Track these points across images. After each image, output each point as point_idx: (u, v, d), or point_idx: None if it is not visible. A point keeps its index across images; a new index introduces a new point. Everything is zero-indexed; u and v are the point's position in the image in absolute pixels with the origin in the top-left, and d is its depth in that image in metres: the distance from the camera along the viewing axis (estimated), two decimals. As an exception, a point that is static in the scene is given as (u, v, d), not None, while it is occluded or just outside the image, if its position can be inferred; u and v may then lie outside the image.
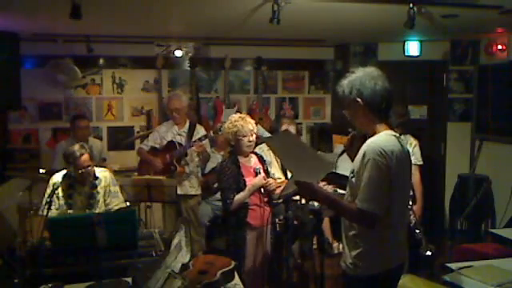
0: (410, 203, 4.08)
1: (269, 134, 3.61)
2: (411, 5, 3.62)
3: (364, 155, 2.28)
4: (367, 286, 2.39)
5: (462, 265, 3.02)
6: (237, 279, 2.82)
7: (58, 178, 3.61)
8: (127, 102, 6.14)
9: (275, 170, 4.04)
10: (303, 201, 3.60)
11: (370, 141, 2.33)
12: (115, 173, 5.14)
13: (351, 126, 2.66)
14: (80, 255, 2.93)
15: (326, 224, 5.17)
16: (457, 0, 3.69)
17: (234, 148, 3.60)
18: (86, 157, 3.54)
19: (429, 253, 3.97)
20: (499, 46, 5.62)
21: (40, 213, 3.54)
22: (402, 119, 4.25)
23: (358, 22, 4.60)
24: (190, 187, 4.91)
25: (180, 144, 4.79)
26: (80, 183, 3.62)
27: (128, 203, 4.21)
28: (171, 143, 4.81)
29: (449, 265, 3.06)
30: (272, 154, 4.32)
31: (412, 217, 3.99)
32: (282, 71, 6.62)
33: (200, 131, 4.95)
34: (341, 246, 4.44)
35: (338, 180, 4.05)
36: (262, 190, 3.56)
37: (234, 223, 3.53)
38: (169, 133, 4.91)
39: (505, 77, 5.58)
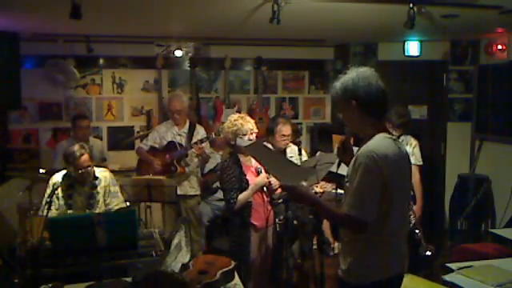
0: (410, 203, 4.09)
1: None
2: (411, 5, 3.62)
3: (356, 159, 2.22)
4: None
5: (462, 265, 3.02)
6: (237, 279, 2.82)
7: (57, 178, 3.61)
8: (127, 101, 6.14)
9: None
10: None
11: (364, 145, 2.25)
12: (115, 173, 5.16)
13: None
14: (80, 255, 2.93)
15: (326, 224, 5.17)
16: (457, 0, 3.69)
17: (235, 148, 3.60)
18: (85, 157, 3.54)
19: (428, 253, 3.97)
20: (499, 46, 5.62)
21: (40, 213, 3.54)
22: (403, 119, 4.25)
23: (358, 22, 4.60)
24: (190, 187, 4.92)
25: (180, 144, 4.79)
26: (80, 183, 3.62)
27: (128, 203, 4.21)
28: (171, 143, 4.81)
29: (449, 265, 3.06)
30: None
31: (412, 217, 3.99)
32: (282, 71, 6.62)
33: (200, 131, 4.95)
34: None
35: (339, 180, 4.05)
36: (265, 189, 3.56)
37: (238, 223, 3.52)
38: (168, 133, 4.91)
39: (505, 77, 5.58)
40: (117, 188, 3.82)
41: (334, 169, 3.72)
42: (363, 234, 2.22)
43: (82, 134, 4.98)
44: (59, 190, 3.51)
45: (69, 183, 3.58)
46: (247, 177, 3.53)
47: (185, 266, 2.77)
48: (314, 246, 4.47)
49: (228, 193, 3.51)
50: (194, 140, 4.79)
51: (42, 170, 4.42)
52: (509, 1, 3.62)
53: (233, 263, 2.84)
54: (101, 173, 3.73)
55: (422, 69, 6.25)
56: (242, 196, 3.47)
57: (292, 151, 4.29)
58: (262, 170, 3.57)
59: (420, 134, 4.95)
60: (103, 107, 6.06)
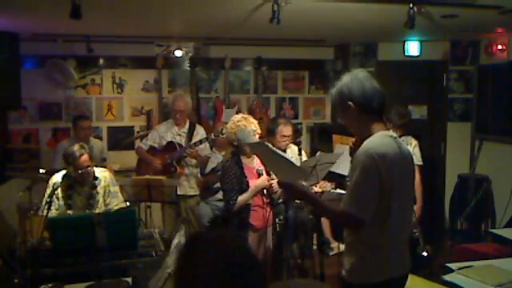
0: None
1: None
2: (411, 5, 3.62)
3: (354, 158, 2.24)
4: None
5: (461, 265, 3.02)
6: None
7: (57, 178, 3.61)
8: (127, 101, 6.14)
9: (275, 170, 4.04)
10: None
11: (364, 143, 2.26)
12: (115, 173, 5.15)
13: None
14: (80, 255, 2.94)
15: (326, 224, 5.17)
16: (457, 0, 3.69)
17: (237, 148, 3.59)
18: (85, 157, 3.54)
19: (425, 253, 3.97)
20: (499, 46, 5.62)
21: (40, 213, 3.54)
22: (404, 120, 4.25)
23: (358, 22, 4.60)
24: (190, 188, 4.92)
25: (179, 144, 4.79)
26: (79, 183, 3.61)
27: (128, 203, 4.21)
28: (170, 143, 4.81)
29: (449, 265, 3.06)
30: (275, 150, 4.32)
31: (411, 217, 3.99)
32: (282, 71, 6.62)
33: (200, 131, 4.95)
34: (341, 245, 4.45)
35: (337, 179, 4.06)
36: (265, 191, 3.56)
37: (237, 224, 3.52)
38: (168, 133, 4.91)
39: (505, 77, 5.58)
40: (117, 188, 3.82)
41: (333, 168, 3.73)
42: (365, 234, 2.21)
43: (83, 134, 4.98)
44: (59, 190, 3.51)
45: (68, 183, 3.58)
46: (248, 178, 3.52)
47: (185, 266, 2.77)
48: (314, 246, 4.48)
49: (228, 193, 3.51)
50: (194, 140, 4.79)
51: (41, 170, 4.41)
52: (509, 1, 3.62)
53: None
54: (101, 173, 3.73)
55: (422, 69, 6.24)
56: (241, 197, 3.47)
57: (292, 152, 4.29)
58: (263, 172, 3.57)
59: (420, 134, 4.95)
60: (103, 107, 6.06)
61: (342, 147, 4.71)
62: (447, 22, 4.37)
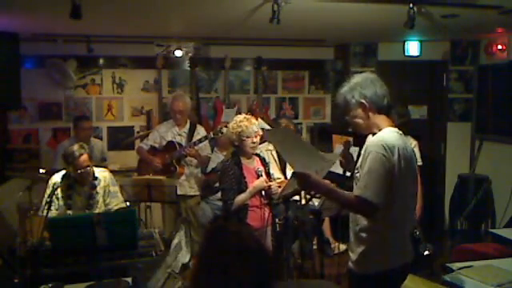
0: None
1: (269, 127, 3.63)
2: (411, 5, 3.61)
3: (366, 149, 2.36)
4: (372, 285, 2.40)
5: (462, 265, 3.01)
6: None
7: (57, 178, 3.60)
8: (127, 102, 6.14)
9: (274, 171, 4.04)
10: (303, 201, 3.60)
11: (374, 136, 2.41)
12: (115, 173, 5.15)
13: (352, 127, 2.67)
14: (80, 255, 2.94)
15: (326, 224, 5.17)
16: (457, 0, 3.69)
17: (238, 149, 3.59)
18: (85, 157, 3.53)
19: (427, 252, 3.97)
20: (499, 46, 5.62)
21: (40, 213, 3.54)
22: (403, 120, 4.25)
23: (358, 22, 4.60)
24: (190, 187, 4.92)
25: (180, 144, 4.79)
26: (79, 183, 3.61)
27: (128, 203, 4.21)
28: (171, 143, 4.82)
29: (449, 265, 3.06)
30: (271, 155, 4.32)
31: (412, 217, 3.98)
32: (282, 71, 6.61)
33: (200, 131, 4.95)
34: (341, 245, 4.46)
35: (337, 179, 4.05)
36: (263, 192, 3.56)
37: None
38: (169, 133, 4.91)
39: (505, 77, 5.58)
40: (116, 188, 3.82)
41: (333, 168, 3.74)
42: (373, 223, 2.34)
43: (83, 135, 4.98)
44: (59, 190, 3.51)
45: (68, 183, 3.58)
46: (247, 179, 3.52)
47: (185, 266, 2.77)
48: (314, 246, 4.47)
49: (226, 193, 3.51)
50: (194, 140, 4.79)
51: (41, 170, 4.42)
52: (509, 1, 3.62)
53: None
54: (100, 173, 3.73)
55: (422, 69, 6.25)
56: (239, 198, 3.47)
57: None
58: (263, 173, 3.57)
59: (420, 134, 4.95)
60: (103, 107, 6.06)
61: (341, 147, 4.71)
62: (447, 21, 4.37)
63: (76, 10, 3.22)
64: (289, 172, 4.28)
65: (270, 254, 1.56)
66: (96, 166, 3.79)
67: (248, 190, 3.49)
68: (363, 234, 2.40)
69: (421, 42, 6.04)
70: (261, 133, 3.64)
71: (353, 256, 2.46)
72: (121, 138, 6.06)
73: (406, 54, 6.06)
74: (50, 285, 2.70)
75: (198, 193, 4.96)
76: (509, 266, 3.00)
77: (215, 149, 5.11)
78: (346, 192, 2.44)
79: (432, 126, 6.37)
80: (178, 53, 5.92)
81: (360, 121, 2.47)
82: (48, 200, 3.23)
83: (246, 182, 3.51)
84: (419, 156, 4.44)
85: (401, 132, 2.47)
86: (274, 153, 4.36)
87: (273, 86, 6.61)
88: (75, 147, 3.57)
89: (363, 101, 2.41)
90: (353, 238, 2.48)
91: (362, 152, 2.40)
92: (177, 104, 4.86)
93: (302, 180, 2.49)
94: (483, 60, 6.01)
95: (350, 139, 2.71)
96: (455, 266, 3.02)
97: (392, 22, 4.26)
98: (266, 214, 3.59)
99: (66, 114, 5.92)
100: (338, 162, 4.05)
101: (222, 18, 4.37)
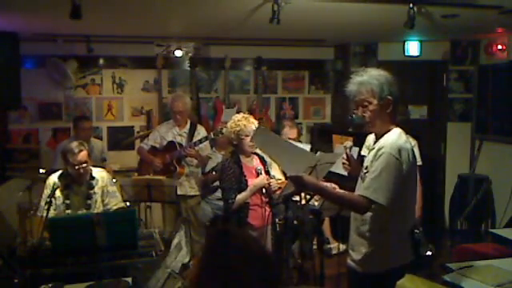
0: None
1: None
2: (411, 5, 3.62)
3: (379, 149, 2.34)
4: (373, 283, 2.42)
5: (461, 265, 3.02)
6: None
7: (54, 178, 3.59)
8: (127, 102, 6.14)
9: (275, 172, 4.04)
10: (303, 201, 3.60)
11: (386, 136, 2.39)
12: (115, 173, 5.16)
13: (352, 126, 2.68)
14: (80, 255, 2.93)
15: (326, 224, 5.17)
16: (457, 0, 3.69)
17: (237, 148, 3.60)
18: (84, 153, 3.52)
19: (429, 253, 3.96)
20: (499, 46, 5.62)
21: (38, 213, 3.53)
22: (402, 118, 4.25)
23: (358, 22, 4.60)
24: (190, 187, 4.92)
25: (180, 144, 4.79)
26: (77, 182, 3.59)
27: (128, 203, 4.21)
28: (171, 143, 4.81)
29: (449, 265, 3.06)
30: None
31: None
32: (282, 71, 6.61)
33: (201, 132, 4.95)
34: (341, 245, 4.45)
35: (338, 179, 4.05)
36: (264, 190, 3.56)
37: (235, 223, 3.53)
38: (169, 133, 4.91)
39: (505, 77, 5.58)
40: (115, 188, 3.82)
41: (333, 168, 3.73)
42: (378, 224, 2.36)
43: (83, 135, 4.97)
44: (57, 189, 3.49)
45: (65, 183, 3.56)
46: (247, 178, 3.53)
47: (185, 266, 2.77)
48: (314, 246, 4.47)
49: (227, 192, 3.52)
50: (194, 141, 4.79)
51: (41, 170, 4.43)
52: (509, 1, 3.62)
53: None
54: (98, 173, 3.71)
55: (422, 69, 6.25)
56: (240, 196, 3.47)
57: None
58: (263, 171, 3.57)
59: (420, 134, 4.94)
60: (103, 107, 6.06)
61: (341, 147, 4.70)
62: (447, 21, 4.37)
63: (76, 10, 3.22)
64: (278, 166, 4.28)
65: (273, 258, 1.54)
66: (94, 166, 3.78)
67: (248, 188, 3.49)
68: (370, 235, 2.41)
69: (421, 41, 6.04)
70: None
71: (355, 255, 2.46)
72: (121, 138, 6.06)
73: (406, 54, 6.06)
74: (50, 285, 2.70)
75: (198, 193, 4.96)
76: (509, 266, 3.00)
77: (213, 148, 5.11)
78: (346, 192, 2.44)
79: (432, 125, 6.37)
80: (178, 53, 5.93)
81: (376, 116, 2.42)
82: (48, 200, 3.22)
83: (246, 181, 3.51)
84: (419, 156, 4.44)
85: (404, 133, 2.48)
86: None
87: (273, 85, 6.61)
88: (74, 144, 3.57)
89: (390, 97, 2.39)
90: (356, 237, 2.47)
91: (373, 152, 2.37)
92: (177, 105, 4.86)
93: (294, 182, 2.50)
94: (483, 60, 6.01)
95: (350, 142, 2.70)
96: (455, 265, 3.02)
97: (392, 22, 4.26)
98: (267, 213, 3.59)
99: (65, 114, 5.92)
100: (338, 163, 4.06)
101: (222, 18, 4.37)
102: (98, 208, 3.62)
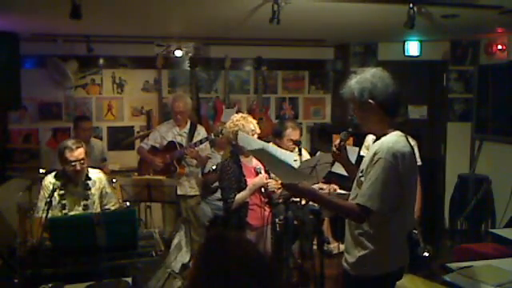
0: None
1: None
2: (411, 5, 3.62)
3: (375, 154, 2.28)
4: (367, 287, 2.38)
5: (461, 265, 3.01)
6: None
7: (51, 178, 3.57)
8: (127, 102, 6.14)
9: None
10: (303, 201, 3.60)
11: (381, 140, 2.33)
12: (115, 173, 5.16)
13: (351, 126, 2.65)
14: (80, 255, 2.93)
15: (326, 224, 5.17)
16: (457, 0, 3.69)
17: (236, 147, 3.60)
18: (81, 150, 3.50)
19: (426, 254, 3.96)
20: (499, 46, 5.62)
21: (36, 214, 3.52)
22: (401, 119, 4.24)
23: (358, 22, 4.60)
24: (190, 187, 4.92)
25: (180, 144, 4.79)
26: (73, 183, 3.58)
27: (128, 203, 4.21)
28: (171, 143, 4.82)
29: (449, 265, 3.05)
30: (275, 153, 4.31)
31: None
32: (282, 71, 6.61)
33: (201, 132, 4.95)
34: (341, 245, 4.45)
35: (339, 179, 4.05)
36: (263, 189, 3.56)
37: (235, 223, 3.53)
38: (169, 133, 4.91)
39: (505, 77, 5.58)
40: (112, 189, 3.82)
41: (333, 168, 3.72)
42: (374, 229, 2.30)
43: (84, 135, 4.97)
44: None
45: (61, 183, 3.54)
46: (246, 177, 3.53)
47: (185, 266, 2.77)
48: (314, 246, 4.47)
49: (226, 192, 3.51)
50: (195, 141, 4.79)
51: (41, 170, 4.42)
52: (509, 1, 3.62)
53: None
54: (95, 174, 3.70)
55: (422, 69, 6.25)
56: (239, 196, 3.47)
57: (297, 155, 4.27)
58: (262, 171, 3.57)
59: (420, 134, 4.95)
60: (103, 107, 6.06)
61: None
62: (447, 21, 4.37)
63: (76, 10, 3.22)
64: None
65: (272, 264, 1.49)
66: (92, 167, 3.77)
67: (248, 188, 3.49)
68: (364, 239, 2.35)
69: (421, 42, 6.04)
70: (258, 131, 3.63)
71: (350, 258, 2.41)
72: (121, 138, 6.06)
73: (406, 54, 6.06)
74: (50, 285, 2.70)
75: (198, 193, 4.97)
76: (509, 266, 3.00)
77: (212, 149, 5.11)
78: (341, 200, 2.41)
79: (432, 125, 6.37)
80: (178, 53, 5.93)
81: (366, 118, 2.39)
82: (48, 200, 3.22)
83: (245, 181, 3.51)
84: (418, 156, 4.43)
85: (405, 135, 2.40)
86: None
87: (273, 85, 6.61)
88: (72, 140, 3.55)
89: (371, 101, 2.31)
90: (351, 241, 2.43)
91: (369, 156, 2.32)
92: (177, 105, 4.86)
93: (290, 190, 2.48)
94: (483, 60, 6.01)
95: (346, 132, 2.67)
96: (455, 265, 3.02)
97: (392, 22, 4.26)
98: (266, 213, 3.59)
99: (65, 114, 5.92)
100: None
101: (222, 18, 4.37)
102: (95, 209, 3.61)
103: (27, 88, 5.46)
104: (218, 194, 4.30)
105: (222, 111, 6.07)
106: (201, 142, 4.74)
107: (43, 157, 5.77)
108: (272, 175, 3.79)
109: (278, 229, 3.70)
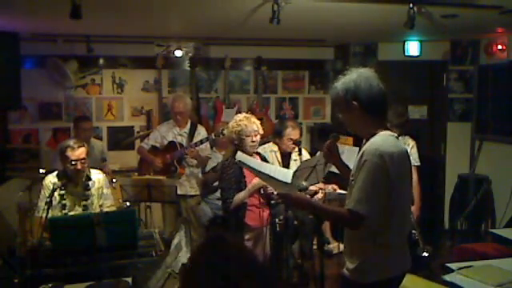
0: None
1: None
2: (411, 5, 3.62)
3: (362, 156, 2.23)
4: None
5: (461, 265, 3.01)
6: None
7: (52, 178, 3.57)
8: (127, 101, 6.14)
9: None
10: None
11: (369, 142, 2.28)
12: (115, 173, 5.16)
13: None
14: (80, 255, 2.93)
15: (326, 224, 5.17)
16: (457, 0, 3.69)
17: (238, 147, 3.59)
18: (83, 149, 3.51)
19: (425, 254, 3.97)
20: (499, 46, 5.62)
21: (37, 214, 3.52)
22: (401, 119, 4.25)
23: (358, 22, 4.60)
24: (190, 187, 4.92)
25: (181, 144, 4.79)
26: (73, 183, 3.58)
27: (128, 203, 4.21)
28: (172, 143, 4.82)
29: (449, 265, 3.05)
30: (274, 156, 4.32)
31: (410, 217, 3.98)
32: (282, 71, 6.61)
33: (201, 132, 4.95)
34: (341, 245, 4.45)
35: (339, 180, 4.05)
36: (262, 191, 3.56)
37: (233, 223, 3.53)
38: (170, 133, 4.91)
39: (505, 77, 5.58)
40: (109, 190, 3.83)
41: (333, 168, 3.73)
42: (371, 233, 2.25)
43: (84, 135, 4.96)
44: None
45: (62, 183, 3.54)
46: (246, 178, 3.52)
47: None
48: (314, 246, 4.47)
49: (226, 192, 3.52)
50: (195, 140, 4.79)
51: (41, 170, 4.41)
52: (509, 1, 3.62)
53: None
54: (95, 175, 3.71)
55: (422, 69, 6.24)
56: (237, 196, 3.47)
57: (297, 154, 4.28)
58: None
59: (420, 134, 4.95)
60: (103, 107, 6.06)
61: (341, 147, 4.70)
62: (447, 21, 4.37)
63: (76, 10, 3.22)
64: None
65: (270, 272, 1.47)
66: (92, 168, 3.77)
67: (247, 188, 3.49)
68: (361, 244, 2.30)
69: (421, 42, 6.03)
70: (261, 132, 3.63)
71: (349, 264, 2.36)
72: (121, 138, 6.06)
73: (406, 54, 6.06)
74: (50, 285, 2.70)
75: (198, 193, 4.97)
76: (509, 266, 3.00)
77: (213, 148, 5.11)
78: (330, 207, 2.41)
79: (432, 125, 6.37)
80: (178, 53, 5.93)
81: (351, 120, 2.35)
82: (48, 200, 3.22)
83: (245, 181, 3.51)
84: (417, 156, 4.44)
85: (395, 134, 2.36)
86: (278, 154, 4.35)
87: (273, 85, 6.61)
88: (73, 140, 3.57)
89: (354, 102, 2.28)
90: (349, 246, 2.39)
91: (357, 159, 2.27)
92: (177, 105, 4.86)
93: (284, 200, 2.50)
94: (483, 60, 6.01)
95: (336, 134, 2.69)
96: (455, 265, 3.02)
97: (392, 22, 4.26)
98: (265, 214, 3.59)
99: (65, 114, 5.92)
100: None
101: (222, 18, 4.38)
102: (94, 210, 3.61)
103: (27, 88, 5.45)
104: (218, 194, 4.31)
105: (222, 111, 6.07)
106: (201, 142, 4.74)
107: (43, 157, 5.77)
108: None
109: (277, 229, 3.70)
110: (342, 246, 4.47)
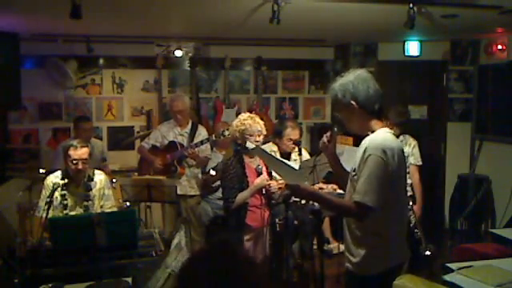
0: (410, 203, 4.09)
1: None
2: (411, 5, 3.62)
3: (365, 151, 2.33)
4: (373, 285, 2.40)
5: (461, 265, 3.01)
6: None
7: (54, 178, 3.57)
8: (127, 101, 6.14)
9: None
10: (303, 201, 3.60)
11: (370, 137, 2.38)
12: (115, 173, 5.16)
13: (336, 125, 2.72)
14: (80, 255, 2.94)
15: (326, 224, 5.17)
16: (457, 0, 3.69)
17: (241, 147, 3.57)
18: (86, 150, 3.52)
19: (428, 252, 3.97)
20: (499, 46, 5.62)
21: (37, 214, 3.53)
22: (402, 118, 4.26)
23: (358, 22, 4.60)
24: (190, 187, 4.92)
25: (181, 144, 4.79)
26: (75, 183, 3.58)
27: (128, 203, 4.21)
28: (172, 143, 4.81)
29: (449, 265, 3.05)
30: (276, 156, 4.31)
31: (412, 217, 3.99)
32: (282, 71, 6.62)
33: (202, 132, 4.95)
34: (341, 246, 4.45)
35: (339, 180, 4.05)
36: (264, 190, 3.55)
37: (234, 223, 3.52)
38: (170, 133, 4.91)
39: (505, 77, 5.58)
40: (110, 191, 3.83)
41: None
42: (374, 226, 2.34)
43: (84, 135, 4.96)
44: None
45: (63, 184, 3.54)
46: (249, 178, 3.51)
47: (185, 266, 2.77)
48: (314, 246, 4.47)
49: (227, 191, 3.51)
50: (196, 141, 4.79)
51: (41, 170, 4.42)
52: (509, 1, 3.62)
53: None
54: (97, 176, 3.71)
55: (422, 69, 6.24)
56: (240, 196, 3.46)
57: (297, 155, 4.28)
58: (263, 171, 3.56)
59: (420, 134, 4.95)
60: (103, 107, 6.06)
61: (341, 147, 4.71)
62: (447, 21, 4.37)
63: (76, 9, 3.22)
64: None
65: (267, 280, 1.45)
66: (96, 168, 3.78)
67: (249, 188, 3.47)
68: (365, 237, 2.39)
69: (421, 42, 6.03)
70: (264, 132, 3.63)
71: (353, 259, 2.44)
72: (121, 138, 6.06)
73: (406, 54, 6.06)
74: (50, 285, 2.70)
75: (198, 193, 4.96)
76: (509, 266, 3.00)
77: (214, 148, 5.11)
78: (336, 198, 2.48)
79: (432, 126, 6.37)
80: (178, 53, 5.93)
81: (350, 120, 2.46)
82: (48, 200, 3.22)
83: (247, 181, 3.50)
84: (419, 156, 4.44)
85: (392, 132, 2.47)
86: (278, 155, 4.35)
87: (273, 85, 6.61)
88: (77, 140, 3.61)
89: (353, 102, 2.38)
90: (352, 241, 2.46)
91: (360, 154, 2.37)
92: (175, 104, 4.86)
93: (293, 190, 2.54)
94: (483, 60, 6.01)
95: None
96: (455, 265, 3.01)
97: (392, 22, 4.26)
98: (266, 214, 3.58)
99: (65, 114, 5.92)
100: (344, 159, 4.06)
101: (222, 18, 4.38)
102: (95, 210, 3.61)
103: (27, 88, 5.45)
104: (219, 193, 4.31)
105: (222, 111, 6.07)
106: (202, 142, 4.74)
107: (43, 157, 5.77)
108: (274, 175, 3.80)
109: (277, 229, 3.70)
110: (342, 246, 4.48)
